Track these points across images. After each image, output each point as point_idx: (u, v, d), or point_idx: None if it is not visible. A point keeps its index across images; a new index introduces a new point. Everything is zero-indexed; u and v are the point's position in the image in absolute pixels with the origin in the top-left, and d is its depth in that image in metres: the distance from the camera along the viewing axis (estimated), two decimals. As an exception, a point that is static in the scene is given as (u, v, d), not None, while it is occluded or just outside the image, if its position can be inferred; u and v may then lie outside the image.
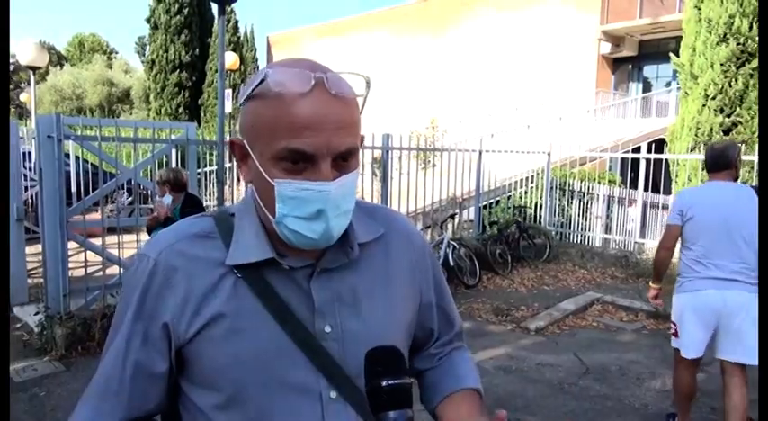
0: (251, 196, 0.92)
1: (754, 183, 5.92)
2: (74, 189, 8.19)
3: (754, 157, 6.74)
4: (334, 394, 0.88)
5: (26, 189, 6.78)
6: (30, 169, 7.59)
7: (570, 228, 9.82)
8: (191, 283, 0.88)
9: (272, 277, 0.89)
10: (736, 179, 3.16)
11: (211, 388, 0.89)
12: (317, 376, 0.88)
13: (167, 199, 4.16)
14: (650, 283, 3.45)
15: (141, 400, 0.90)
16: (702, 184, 3.53)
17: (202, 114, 24.67)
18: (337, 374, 0.89)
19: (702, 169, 7.98)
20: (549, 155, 9.51)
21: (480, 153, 8.46)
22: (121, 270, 5.45)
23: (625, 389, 4.11)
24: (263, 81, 0.80)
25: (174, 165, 6.61)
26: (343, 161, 0.83)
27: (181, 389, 0.94)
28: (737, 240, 2.97)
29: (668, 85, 20.13)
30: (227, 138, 4.00)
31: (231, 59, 13.44)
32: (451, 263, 6.81)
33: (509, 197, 9.45)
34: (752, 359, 2.88)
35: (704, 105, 8.28)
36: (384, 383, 0.75)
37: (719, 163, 3.11)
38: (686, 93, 8.88)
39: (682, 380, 3.24)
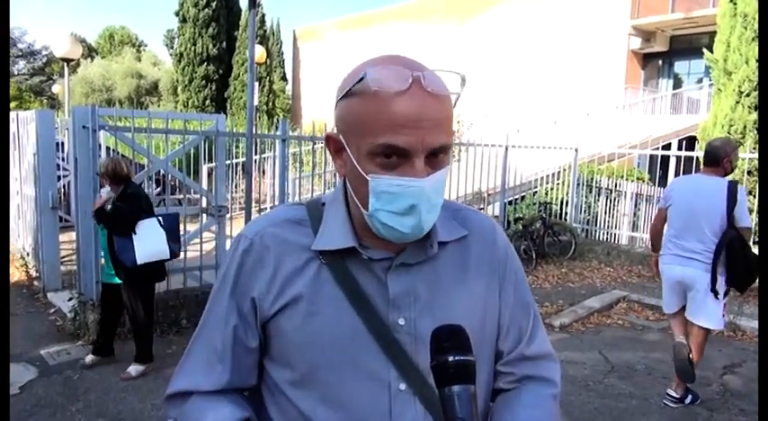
0: (341, 187, 0.97)
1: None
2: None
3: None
4: (403, 386, 0.90)
5: (59, 178, 6.94)
6: (63, 159, 7.77)
7: (596, 226, 9.70)
8: (279, 264, 0.93)
9: (353, 266, 0.93)
10: (725, 175, 3.57)
11: (287, 365, 0.94)
12: (388, 366, 0.90)
13: (105, 191, 4.01)
14: (651, 253, 4.19)
15: (240, 370, 0.96)
16: (689, 175, 4.13)
17: (228, 107, 24.94)
18: (408, 367, 0.90)
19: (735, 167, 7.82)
20: (576, 151, 9.40)
21: (506, 148, 8.39)
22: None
23: (651, 388, 4.07)
24: (361, 79, 0.82)
25: (202, 157, 6.69)
26: (435, 157, 0.85)
27: (262, 365, 0.99)
28: (702, 226, 3.51)
29: (700, 81, 19.70)
30: (255, 130, 3.95)
31: (258, 52, 13.54)
32: (476, 258, 6.78)
33: (535, 193, 9.37)
34: (701, 321, 3.60)
35: (738, 102, 8.08)
36: (450, 358, 0.76)
37: (708, 159, 3.60)
38: (719, 89, 8.67)
39: (671, 325, 3.93)
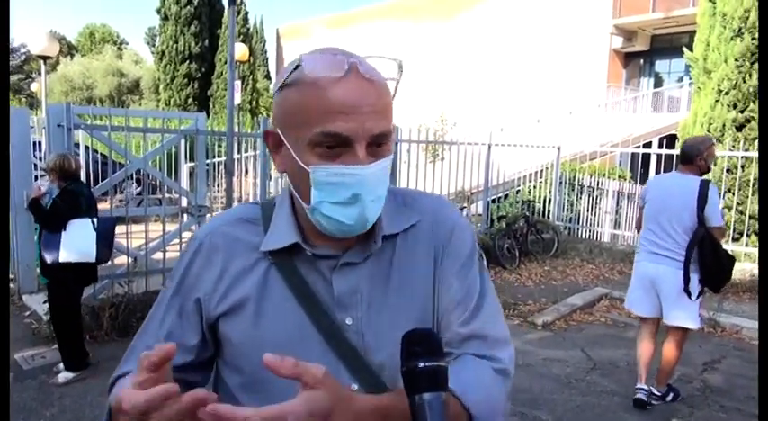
0: (287, 190, 0.96)
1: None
2: (83, 179, 8.21)
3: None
4: (355, 386, 0.88)
5: (36, 178, 6.80)
6: (40, 159, 7.61)
7: (579, 224, 9.76)
8: (227, 263, 0.92)
9: (301, 265, 0.91)
10: (701, 173, 3.59)
11: (237, 368, 0.93)
12: (339, 366, 0.88)
13: (45, 184, 3.92)
14: None
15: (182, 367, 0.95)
16: (665, 174, 4.13)
17: (211, 105, 24.71)
18: (359, 366, 0.89)
19: (714, 165, 7.91)
20: (558, 149, 9.45)
21: (489, 146, 8.41)
22: (130, 260, 5.48)
23: (633, 385, 4.07)
24: (297, 67, 0.82)
25: (182, 156, 6.60)
26: (377, 146, 0.83)
27: (216, 367, 0.99)
28: (673, 224, 3.52)
29: (680, 80, 19.95)
30: (236, 129, 3.88)
31: (241, 51, 13.40)
32: (459, 256, 6.78)
33: (518, 191, 9.40)
34: (678, 322, 3.58)
35: (717, 101, 8.17)
36: (421, 365, 0.73)
37: (683, 157, 3.62)
38: (699, 88, 8.77)
39: (640, 336, 3.82)
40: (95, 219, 3.93)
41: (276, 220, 0.94)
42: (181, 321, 0.94)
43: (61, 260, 3.75)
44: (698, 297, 3.56)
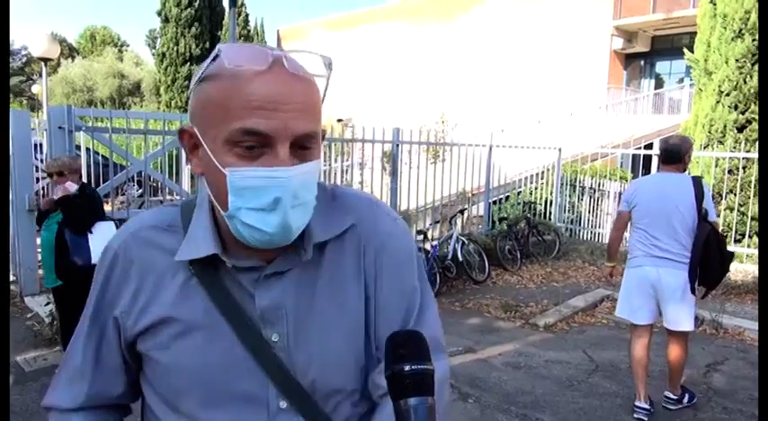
0: (205, 194, 0.85)
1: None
2: (84, 180, 8.21)
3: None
4: (284, 404, 0.83)
5: (38, 180, 6.80)
6: (41, 161, 7.62)
7: (580, 225, 9.75)
8: (143, 278, 0.85)
9: (225, 277, 0.83)
10: (684, 171, 3.54)
11: (159, 390, 0.87)
12: (267, 384, 0.83)
13: (70, 184, 3.83)
14: (606, 263, 4.04)
15: (103, 386, 0.91)
16: (650, 175, 4.04)
17: (212, 107, 24.72)
18: (288, 384, 0.83)
19: (716, 166, 7.90)
20: (559, 150, 9.45)
21: (490, 148, 8.41)
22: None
23: (634, 388, 4.07)
24: (216, 58, 0.75)
25: (183, 158, 6.61)
26: (302, 149, 0.76)
27: (141, 388, 0.93)
28: (674, 224, 3.40)
29: (681, 81, 19.95)
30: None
31: (241, 52, 13.41)
32: (460, 258, 6.78)
33: (519, 193, 9.40)
34: (682, 326, 3.48)
35: (718, 102, 8.16)
36: (407, 368, 0.69)
37: (671, 157, 3.51)
38: (700, 89, 8.76)
39: (634, 348, 3.64)
40: (118, 222, 3.95)
41: (193, 227, 0.85)
42: (104, 340, 0.89)
43: (94, 262, 3.74)
44: (704, 296, 3.52)
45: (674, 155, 3.49)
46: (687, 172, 3.62)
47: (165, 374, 0.85)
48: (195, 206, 0.87)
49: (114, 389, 0.92)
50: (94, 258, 3.74)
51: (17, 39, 46.74)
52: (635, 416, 3.58)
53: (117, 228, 3.85)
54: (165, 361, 0.84)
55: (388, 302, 0.90)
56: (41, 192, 8.06)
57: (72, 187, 3.78)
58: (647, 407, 3.57)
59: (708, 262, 3.39)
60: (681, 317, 3.48)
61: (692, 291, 3.46)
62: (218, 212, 0.81)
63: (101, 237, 3.78)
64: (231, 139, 0.74)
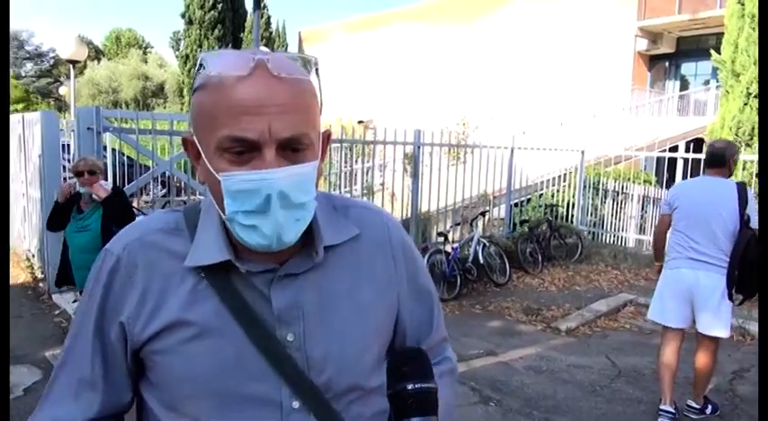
0: (211, 201, 0.87)
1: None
2: (110, 180, 8.37)
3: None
4: (296, 404, 0.83)
5: (65, 180, 6.94)
6: (69, 161, 7.78)
7: (603, 228, 9.65)
8: (150, 282, 0.84)
9: (236, 280, 0.84)
10: (729, 176, 3.53)
11: (168, 397, 0.85)
12: (280, 385, 0.83)
13: (105, 183, 3.88)
14: (654, 262, 4.08)
15: (114, 394, 0.88)
16: (693, 178, 4.09)
17: (234, 109, 24.98)
18: (301, 384, 0.83)
19: (743, 169, 7.76)
20: (582, 153, 9.36)
21: (512, 150, 8.37)
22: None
23: (659, 393, 4.01)
24: (201, 68, 0.77)
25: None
26: (293, 151, 0.76)
27: (140, 393, 0.90)
28: (714, 228, 3.38)
29: (707, 82, 19.61)
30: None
31: (264, 54, 13.52)
32: (481, 260, 6.75)
33: (540, 195, 9.33)
34: (716, 331, 3.43)
35: (746, 104, 8.03)
36: (410, 387, 0.69)
37: (715, 161, 3.50)
38: (727, 91, 8.63)
39: (664, 351, 3.60)
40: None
41: (202, 231, 0.85)
42: (111, 347, 0.86)
43: None
44: (741, 303, 3.46)
45: (719, 159, 3.47)
46: (732, 176, 3.61)
47: (176, 379, 0.83)
48: (200, 211, 0.89)
49: (124, 396, 0.89)
50: None
51: (45, 41, 47.74)
52: (659, 420, 3.54)
53: None
54: (176, 365, 0.82)
55: (414, 306, 0.97)
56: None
57: (107, 185, 3.85)
58: (671, 410, 3.54)
59: (746, 268, 3.32)
60: (715, 322, 3.42)
61: (730, 298, 3.39)
62: (224, 218, 0.82)
63: None
64: (221, 146, 0.75)
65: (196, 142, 0.81)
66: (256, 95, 0.74)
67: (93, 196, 3.77)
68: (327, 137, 0.86)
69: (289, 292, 0.84)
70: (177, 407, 0.84)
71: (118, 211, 3.80)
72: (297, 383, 0.83)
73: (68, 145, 7.87)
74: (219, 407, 0.82)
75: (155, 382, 0.86)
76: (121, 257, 0.85)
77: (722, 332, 3.44)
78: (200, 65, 0.77)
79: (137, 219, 3.89)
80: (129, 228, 0.91)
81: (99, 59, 40.53)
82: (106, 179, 4.05)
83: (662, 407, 3.55)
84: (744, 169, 7.78)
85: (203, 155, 0.79)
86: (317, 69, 0.81)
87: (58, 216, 4.01)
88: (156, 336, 0.82)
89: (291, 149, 0.76)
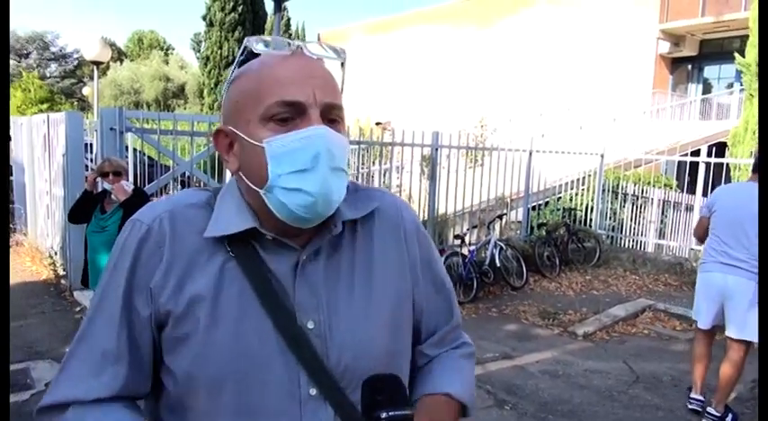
0: (233, 182, 0.90)
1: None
2: (131, 180, 8.47)
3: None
4: (314, 391, 0.84)
5: (86, 179, 7.06)
6: (91, 160, 7.90)
7: (622, 233, 9.54)
8: (176, 255, 0.84)
9: (262, 264, 0.85)
10: None
11: (188, 377, 0.84)
12: (298, 371, 0.84)
13: (127, 184, 3.87)
14: None
15: (138, 372, 0.86)
16: (733, 183, 4.18)
17: (254, 110, 25.17)
18: (319, 371, 0.85)
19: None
20: (602, 156, 9.27)
21: (530, 153, 8.32)
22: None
23: (677, 400, 3.96)
24: (245, 49, 0.83)
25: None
26: (331, 123, 0.83)
27: (158, 377, 0.89)
28: (747, 233, 3.41)
29: (730, 86, 19.29)
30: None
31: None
32: (498, 263, 6.72)
33: (558, 199, 9.26)
34: (744, 335, 3.44)
35: (770, 108, 7.88)
36: (384, 415, 0.70)
37: (755, 166, 3.56)
38: (751, 94, 8.48)
39: (696, 347, 3.77)
40: None
41: (222, 207, 0.87)
42: (138, 318, 0.85)
43: None
44: None
45: (756, 164, 3.51)
46: None
47: (197, 358, 0.82)
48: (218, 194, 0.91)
49: (147, 376, 0.87)
50: None
51: (70, 42, 48.58)
52: (689, 406, 3.74)
53: None
54: (201, 346, 0.82)
55: (430, 292, 1.01)
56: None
57: (129, 186, 3.87)
58: (701, 399, 3.70)
59: None
60: (743, 326, 3.45)
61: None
62: (251, 197, 0.85)
63: None
64: (267, 114, 0.80)
65: (231, 129, 0.85)
66: (301, 68, 0.82)
67: (113, 196, 3.80)
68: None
69: (310, 279, 0.87)
70: (197, 389, 0.83)
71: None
72: (315, 370, 0.84)
73: (91, 144, 8.01)
74: (241, 390, 0.83)
75: (176, 364, 0.85)
76: (152, 228, 0.85)
77: (750, 336, 3.44)
78: (245, 46, 0.83)
79: None
80: (158, 201, 0.92)
81: (122, 61, 41.13)
82: (128, 179, 4.09)
83: (692, 395, 3.74)
84: None
85: (241, 134, 0.83)
86: (343, 61, 0.88)
87: (83, 207, 4.02)
88: (181, 312, 0.83)
89: (329, 120, 0.82)
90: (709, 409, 3.63)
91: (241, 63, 0.86)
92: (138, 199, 3.83)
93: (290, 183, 0.79)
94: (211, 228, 0.85)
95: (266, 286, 0.84)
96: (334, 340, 0.86)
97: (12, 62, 36.23)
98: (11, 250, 7.70)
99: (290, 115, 0.80)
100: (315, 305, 0.86)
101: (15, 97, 25.26)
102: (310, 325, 0.85)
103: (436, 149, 7.06)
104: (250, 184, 0.83)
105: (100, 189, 3.93)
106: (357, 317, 0.89)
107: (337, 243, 0.91)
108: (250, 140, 0.81)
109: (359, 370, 0.86)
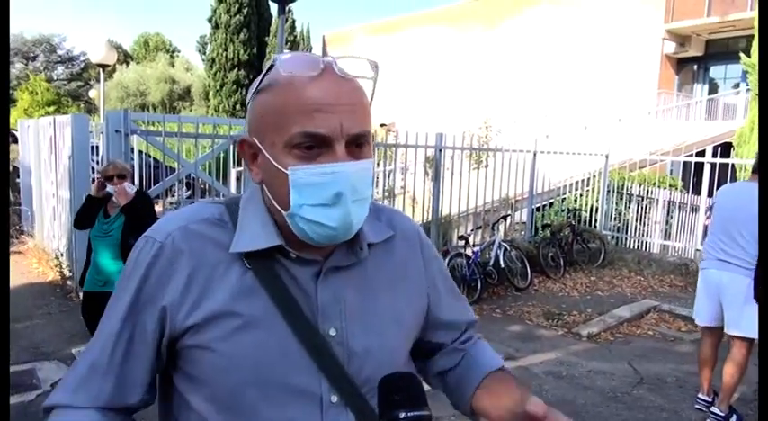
0: (257, 190, 0.90)
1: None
2: (136, 182, 8.53)
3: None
4: (335, 398, 0.85)
5: (93, 181, 7.10)
6: (97, 163, 7.96)
7: (627, 233, 9.51)
8: (195, 270, 0.83)
9: (281, 271, 0.85)
10: None
11: (207, 386, 0.85)
12: (320, 378, 0.84)
13: (129, 186, 3.78)
14: None
15: (125, 387, 0.86)
16: (733, 183, 4.14)
17: (258, 111, 25.25)
18: (341, 378, 0.85)
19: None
20: (606, 157, 9.25)
21: (534, 154, 8.31)
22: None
23: (682, 401, 3.96)
24: (271, 68, 0.80)
25: (231, 161, 6.78)
26: (357, 147, 0.81)
27: (176, 388, 0.89)
28: (741, 231, 3.45)
29: (737, 86, 19.19)
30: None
31: (288, 58, 13.67)
32: (502, 264, 6.72)
33: (563, 199, 9.24)
34: (741, 331, 3.46)
35: (776, 108, 7.85)
36: (402, 415, 0.69)
37: (754, 166, 3.60)
38: (757, 94, 8.44)
39: (701, 348, 3.80)
40: None
41: (244, 221, 0.87)
42: (141, 337, 0.85)
43: None
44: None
45: (756, 164, 3.56)
46: None
47: (221, 369, 0.83)
48: (240, 203, 0.90)
49: (135, 393, 0.87)
50: None
51: (76, 45, 48.86)
52: (696, 406, 3.74)
53: None
54: (222, 356, 0.82)
55: (452, 301, 1.08)
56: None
57: (132, 189, 3.82)
58: (709, 400, 3.69)
59: None
60: (740, 321, 3.47)
61: (756, 298, 3.35)
62: (274, 210, 0.85)
63: None
64: (291, 142, 0.79)
65: (256, 142, 0.83)
66: (327, 94, 0.78)
67: (114, 200, 3.71)
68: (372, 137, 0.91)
69: (332, 288, 0.87)
70: (220, 399, 0.84)
71: (138, 222, 3.68)
72: (337, 378, 0.85)
73: (97, 146, 8.06)
74: (263, 399, 0.83)
75: (196, 375, 0.85)
76: (165, 245, 0.84)
77: (747, 332, 3.45)
78: (270, 65, 0.81)
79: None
80: (171, 216, 0.91)
81: (128, 63, 41.31)
82: (133, 182, 4.08)
83: (699, 396, 3.75)
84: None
85: (266, 152, 0.82)
86: (375, 78, 0.85)
87: (88, 213, 3.99)
88: (200, 326, 0.82)
89: (356, 145, 0.81)
90: (713, 409, 3.62)
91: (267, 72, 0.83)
92: (141, 202, 3.80)
93: (311, 215, 0.80)
94: (236, 244, 0.84)
95: (286, 294, 0.84)
96: (355, 347, 0.87)
97: (19, 65, 36.48)
98: (17, 252, 7.76)
99: (314, 144, 0.78)
100: (338, 311, 0.87)
101: (23, 100, 25.45)
102: (332, 332, 0.86)
103: (440, 150, 7.06)
104: (274, 202, 0.84)
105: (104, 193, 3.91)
106: (378, 327, 0.89)
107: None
108: (274, 163, 0.80)
109: (380, 377, 0.86)
